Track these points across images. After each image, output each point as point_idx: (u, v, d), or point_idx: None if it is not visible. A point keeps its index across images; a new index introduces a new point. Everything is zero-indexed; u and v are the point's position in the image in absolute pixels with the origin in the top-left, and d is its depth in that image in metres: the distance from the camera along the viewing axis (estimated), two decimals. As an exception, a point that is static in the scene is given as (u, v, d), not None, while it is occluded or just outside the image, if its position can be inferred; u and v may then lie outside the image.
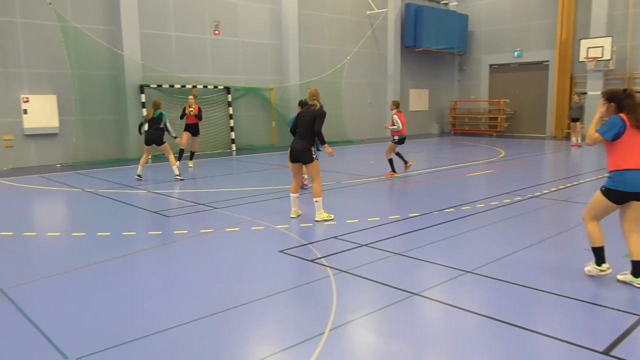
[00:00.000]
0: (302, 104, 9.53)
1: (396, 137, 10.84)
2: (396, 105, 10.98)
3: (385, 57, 22.34)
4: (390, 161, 11.01)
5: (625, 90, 4.53)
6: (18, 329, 3.86)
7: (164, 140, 10.83)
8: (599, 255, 4.70)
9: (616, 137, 4.41)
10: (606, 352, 3.41)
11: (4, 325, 3.95)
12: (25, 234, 6.60)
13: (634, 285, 4.51)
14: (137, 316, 4.11)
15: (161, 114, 10.70)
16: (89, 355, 3.40)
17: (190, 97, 12.40)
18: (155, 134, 10.71)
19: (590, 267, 4.76)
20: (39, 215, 8.52)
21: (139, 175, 10.72)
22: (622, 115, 4.44)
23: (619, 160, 4.45)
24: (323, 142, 7.18)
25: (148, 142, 10.83)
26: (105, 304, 4.36)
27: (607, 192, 4.54)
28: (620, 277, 4.67)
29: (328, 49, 20.02)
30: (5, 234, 6.56)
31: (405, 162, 11.26)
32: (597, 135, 4.50)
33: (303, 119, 7.11)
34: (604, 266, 4.69)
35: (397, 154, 11.14)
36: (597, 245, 4.67)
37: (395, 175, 10.99)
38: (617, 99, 4.51)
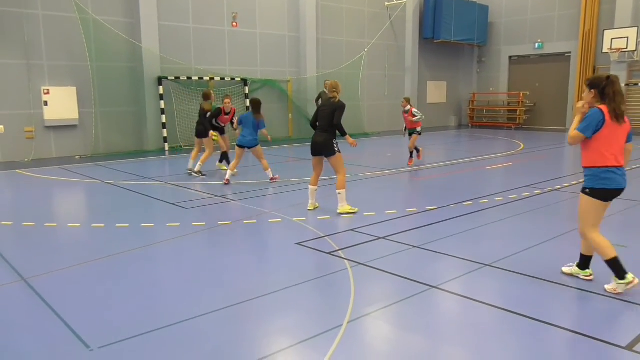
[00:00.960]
0: (252, 102, 9.38)
1: (419, 129, 11.43)
2: (407, 101, 11.58)
3: (403, 49, 22.12)
4: (413, 152, 11.66)
5: (608, 76, 4.13)
6: (40, 318, 3.93)
7: (209, 134, 10.17)
8: (618, 266, 4.15)
9: (595, 132, 4.10)
10: (629, 347, 3.35)
11: (27, 315, 4.03)
12: (46, 224, 6.71)
13: (580, 278, 4.54)
14: (157, 307, 4.15)
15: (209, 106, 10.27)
16: (111, 345, 3.44)
17: (227, 100, 10.63)
18: (200, 125, 10.32)
19: (614, 285, 4.19)
20: (59, 206, 8.66)
21: (190, 170, 10.38)
22: (601, 107, 4.09)
23: (596, 156, 4.16)
24: (344, 134, 7.10)
25: (197, 134, 10.45)
26: (125, 294, 4.42)
27: (593, 192, 4.22)
28: (565, 269, 4.66)
29: (346, 40, 19.90)
30: (27, 224, 6.68)
31: (412, 156, 11.75)
32: (576, 132, 4.16)
33: (323, 112, 7.06)
34: (629, 277, 4.11)
35: (415, 149, 11.67)
36: (611, 256, 4.15)
37: (411, 163, 11.58)
38: (598, 86, 4.14)
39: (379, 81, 21.43)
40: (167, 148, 14.93)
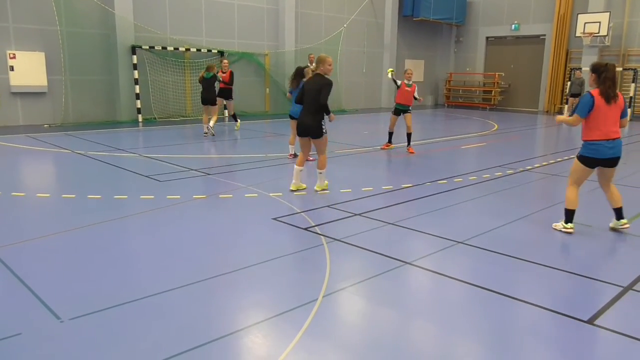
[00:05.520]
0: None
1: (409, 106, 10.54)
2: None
3: (382, 26, 21.98)
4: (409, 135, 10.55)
5: (607, 64, 5.13)
6: (9, 289, 3.84)
7: (216, 102, 12.00)
8: (569, 216, 5.39)
9: (588, 113, 5.11)
10: (590, 321, 3.49)
11: (-5, 285, 3.93)
12: (13, 194, 6.52)
13: (618, 229, 5.44)
14: (129, 279, 4.10)
15: (214, 76, 11.85)
16: (82, 317, 3.39)
17: (225, 61, 12.94)
18: (209, 94, 11.82)
19: (558, 224, 5.48)
20: (27, 175, 8.41)
21: (205, 133, 11.92)
22: (592, 92, 5.10)
23: (590, 132, 5.17)
24: (328, 113, 6.70)
25: (203, 102, 11.95)
26: (97, 266, 4.34)
27: (582, 159, 5.30)
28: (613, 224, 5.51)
29: (325, 15, 19.64)
30: (-6, 194, 6.48)
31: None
32: (574, 116, 5.25)
33: (310, 90, 6.62)
34: (569, 225, 5.37)
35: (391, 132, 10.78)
36: (570, 207, 5.36)
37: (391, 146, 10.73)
38: (597, 71, 5.11)
39: (358, 58, 21.30)
40: (140, 119, 14.62)
